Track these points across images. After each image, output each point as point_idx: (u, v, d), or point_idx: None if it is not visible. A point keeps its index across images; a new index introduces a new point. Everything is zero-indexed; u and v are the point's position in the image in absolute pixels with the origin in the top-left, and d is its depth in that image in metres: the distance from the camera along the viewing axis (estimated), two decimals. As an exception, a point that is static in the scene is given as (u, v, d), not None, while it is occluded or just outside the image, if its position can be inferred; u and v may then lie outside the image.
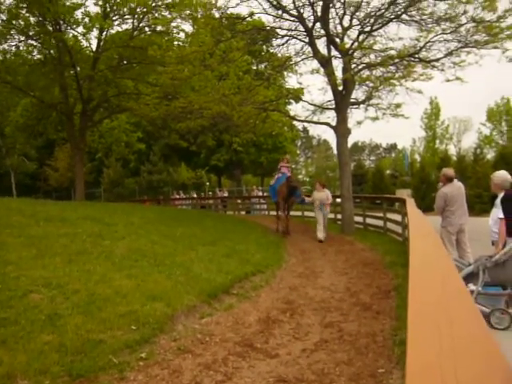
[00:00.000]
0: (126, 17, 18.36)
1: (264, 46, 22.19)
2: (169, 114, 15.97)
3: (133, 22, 18.73)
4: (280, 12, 13.21)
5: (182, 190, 32.41)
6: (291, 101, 27.58)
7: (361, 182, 30.08)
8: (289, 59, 15.59)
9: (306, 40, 13.52)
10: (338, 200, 15.49)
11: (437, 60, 14.04)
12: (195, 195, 28.63)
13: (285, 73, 20.93)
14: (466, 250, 7.76)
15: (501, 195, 5.96)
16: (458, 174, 22.93)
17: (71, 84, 19.11)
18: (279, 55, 16.31)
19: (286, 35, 13.81)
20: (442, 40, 13.44)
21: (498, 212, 5.92)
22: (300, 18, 13.39)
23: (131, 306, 4.98)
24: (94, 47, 19.12)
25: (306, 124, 27.60)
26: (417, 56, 13.69)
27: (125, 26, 19.09)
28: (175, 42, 19.00)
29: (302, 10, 13.50)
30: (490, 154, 30.56)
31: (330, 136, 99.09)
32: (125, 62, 20.06)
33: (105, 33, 18.87)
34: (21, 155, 31.89)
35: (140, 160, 32.69)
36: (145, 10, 18.17)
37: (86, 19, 18.01)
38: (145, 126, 26.09)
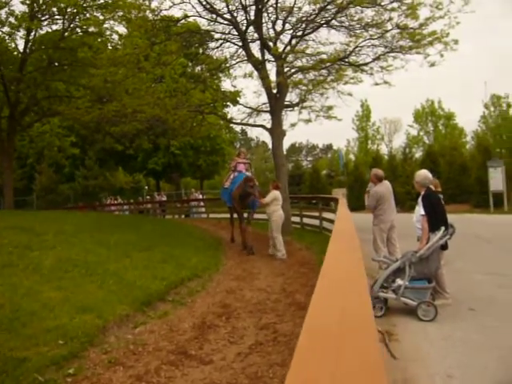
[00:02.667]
0: (56, 17, 17.57)
1: (200, 49, 22.13)
2: (102, 117, 15.47)
3: (63, 23, 17.95)
4: (214, 16, 13.19)
5: (120, 195, 31.54)
6: (228, 103, 27.72)
7: (299, 182, 30.64)
8: (224, 62, 15.62)
9: (240, 44, 13.60)
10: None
11: (365, 64, 14.61)
12: (132, 200, 27.98)
13: (221, 75, 20.97)
14: (395, 246, 8.16)
15: (422, 193, 6.30)
16: (390, 172, 24.03)
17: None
18: (215, 58, 16.31)
19: (220, 38, 13.85)
20: (369, 45, 14.01)
21: (420, 209, 6.25)
22: (233, 22, 13.46)
23: (59, 319, 4.79)
24: (21, 48, 18.17)
25: (243, 126, 27.79)
26: (346, 60, 14.16)
27: (55, 27, 18.27)
28: (108, 44, 18.42)
29: (235, 14, 13.59)
30: (418, 153, 32.39)
31: (268, 138, 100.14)
32: (56, 64, 19.22)
33: (33, 33, 17.97)
34: None
35: (74, 165, 31.46)
36: (75, 10, 17.50)
37: (12, 19, 17.10)
38: (78, 129, 25.11)
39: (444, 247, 6.10)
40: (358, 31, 13.89)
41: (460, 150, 27.29)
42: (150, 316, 5.56)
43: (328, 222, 12.50)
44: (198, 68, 29.67)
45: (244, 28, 13.14)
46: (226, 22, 13.76)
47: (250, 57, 13.33)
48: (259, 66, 13.32)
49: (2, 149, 18.43)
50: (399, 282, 5.62)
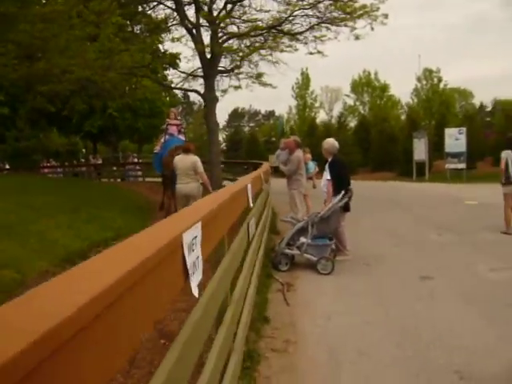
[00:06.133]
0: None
1: (139, 7, 21.49)
2: (31, 76, 14.86)
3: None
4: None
5: (55, 157, 30.50)
6: (167, 66, 27.22)
7: (237, 148, 31.03)
8: (163, 22, 15.41)
9: (174, 7, 13.50)
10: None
11: (300, 33, 14.96)
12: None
13: (162, 36, 20.59)
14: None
15: (329, 160, 6.89)
16: (323, 140, 24.90)
17: None
18: (153, 17, 15.96)
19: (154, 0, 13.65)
20: (303, 15, 14.34)
21: (327, 175, 6.85)
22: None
23: (-25, 274, 4.98)
24: None
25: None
26: (280, 28, 14.43)
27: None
28: None
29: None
30: (353, 123, 33.58)
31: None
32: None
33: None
34: None
35: (5, 125, 29.92)
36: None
37: None
38: (7, 88, 23.85)
39: (346, 209, 6.76)
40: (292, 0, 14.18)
41: (390, 120, 28.60)
42: (69, 272, 5.82)
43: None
44: (137, 28, 28.84)
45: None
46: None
47: (183, 20, 13.29)
48: (193, 30, 13.33)
49: None
50: (302, 239, 6.22)
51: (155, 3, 13.92)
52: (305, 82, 37.80)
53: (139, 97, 19.30)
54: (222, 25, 13.71)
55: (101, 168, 25.18)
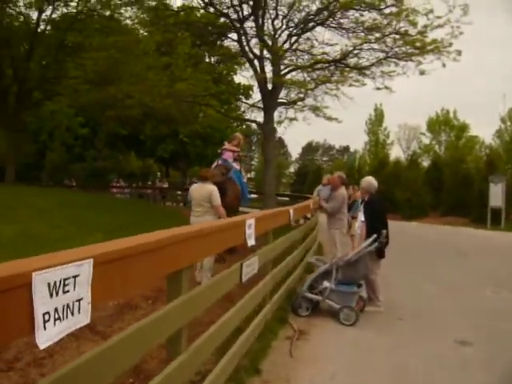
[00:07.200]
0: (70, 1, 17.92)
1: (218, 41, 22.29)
2: (100, 100, 15.75)
3: (77, 5, 18.28)
4: (212, 9, 13.34)
5: (130, 178, 31.95)
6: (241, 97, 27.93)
7: (304, 181, 30.66)
8: (239, 54, 15.72)
9: (236, 38, 13.73)
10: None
11: (365, 68, 14.58)
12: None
13: (236, 68, 21.11)
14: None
15: (366, 199, 6.36)
16: (393, 178, 23.87)
17: (7, 63, 18.47)
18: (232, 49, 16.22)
19: (217, 33, 13.99)
20: (368, 48, 13.98)
21: (361, 215, 6.32)
22: (234, 18, 13.58)
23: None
24: (33, 27, 18.60)
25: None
26: (344, 62, 14.15)
27: (66, 9, 18.65)
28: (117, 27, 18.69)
29: (237, 9, 13.70)
30: (426, 162, 31.91)
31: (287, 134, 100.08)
32: (69, 45, 19.63)
33: (46, 14, 18.40)
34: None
35: (84, 146, 31.98)
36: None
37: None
38: (86, 110, 25.56)
39: (381, 255, 6.15)
40: (358, 34, 13.89)
41: (468, 162, 26.90)
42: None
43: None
44: (213, 59, 29.91)
45: (238, 25, 13.23)
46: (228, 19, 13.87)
47: (246, 52, 13.43)
48: (254, 61, 13.42)
49: (8, 124, 18.91)
50: (326, 284, 5.70)
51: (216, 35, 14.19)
52: (378, 117, 36.84)
53: (204, 124, 19.69)
54: (284, 57, 13.69)
55: (166, 192, 25.86)
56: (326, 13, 13.04)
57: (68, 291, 1.43)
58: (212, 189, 6.44)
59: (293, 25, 13.99)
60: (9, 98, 19.24)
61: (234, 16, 13.26)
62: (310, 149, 69.48)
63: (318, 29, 13.87)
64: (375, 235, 5.81)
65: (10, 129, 19.08)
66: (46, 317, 1.35)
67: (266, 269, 5.11)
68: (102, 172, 31.75)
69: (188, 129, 25.99)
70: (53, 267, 1.36)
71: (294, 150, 74.70)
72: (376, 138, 36.58)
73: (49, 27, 17.93)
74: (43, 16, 18.22)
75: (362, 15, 13.14)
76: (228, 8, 13.14)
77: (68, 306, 1.43)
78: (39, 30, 17.97)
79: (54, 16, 18.08)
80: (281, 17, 13.50)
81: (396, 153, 40.66)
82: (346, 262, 5.70)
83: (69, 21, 17.20)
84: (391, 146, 37.58)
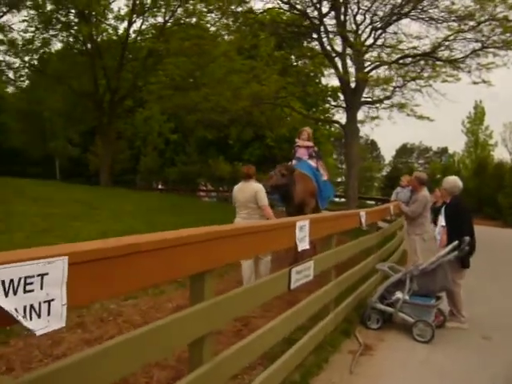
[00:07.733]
0: (155, 10, 18.71)
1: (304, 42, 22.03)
2: (181, 105, 16.18)
3: (164, 16, 19.02)
4: (290, 8, 13.09)
5: (219, 182, 32.63)
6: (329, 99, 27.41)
7: (393, 185, 29.17)
8: (320, 53, 15.37)
9: (316, 36, 13.33)
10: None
11: (459, 60, 13.46)
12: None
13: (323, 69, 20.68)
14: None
15: (448, 202, 5.67)
16: (494, 181, 21.87)
17: (101, 73, 19.76)
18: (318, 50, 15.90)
19: (295, 31, 13.70)
20: (461, 38, 12.86)
21: (442, 220, 5.64)
22: (313, 16, 13.21)
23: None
24: (122, 39, 19.69)
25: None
26: (434, 55, 13.15)
27: (155, 20, 19.51)
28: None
29: (317, 6, 13.32)
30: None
31: (378, 136, 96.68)
32: (160, 54, 20.53)
33: (136, 25, 19.40)
34: (64, 140, 33.14)
35: (175, 151, 33.28)
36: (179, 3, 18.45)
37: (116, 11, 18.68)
38: (179, 116, 26.53)
39: (465, 265, 5.44)
40: (448, 23, 12.82)
41: None
42: (145, 292, 5.70)
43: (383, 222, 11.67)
44: (300, 62, 29.63)
45: (318, 22, 12.82)
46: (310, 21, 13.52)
47: (327, 50, 12.98)
48: (335, 59, 12.94)
49: (102, 131, 20.18)
50: (398, 295, 5.14)
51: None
52: (478, 116, 33.91)
53: (290, 127, 19.48)
54: (367, 52, 13.04)
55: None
56: (412, 3, 12.17)
57: (32, 290, 1.32)
58: (258, 188, 5.73)
59: (377, 19, 13.28)
60: (103, 106, 20.55)
61: (314, 14, 12.86)
62: (404, 151, 66.41)
63: (404, 21, 13.03)
64: (456, 242, 5.12)
65: (104, 136, 20.35)
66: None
67: (328, 276, 4.71)
68: (192, 176, 32.79)
69: (275, 133, 25.99)
70: (9, 263, 1.25)
71: (388, 153, 71.95)
72: (476, 138, 33.72)
73: (139, 38, 18.88)
74: (134, 27, 19.27)
75: (453, 3, 12.07)
76: (308, 6, 12.77)
77: (32, 306, 1.32)
78: (129, 41, 18.99)
79: (143, 27, 19.08)
80: (363, 11, 12.87)
81: (500, 154, 37.18)
82: (420, 272, 5.09)
83: (157, 30, 17.99)
84: (494, 146, 34.35)
